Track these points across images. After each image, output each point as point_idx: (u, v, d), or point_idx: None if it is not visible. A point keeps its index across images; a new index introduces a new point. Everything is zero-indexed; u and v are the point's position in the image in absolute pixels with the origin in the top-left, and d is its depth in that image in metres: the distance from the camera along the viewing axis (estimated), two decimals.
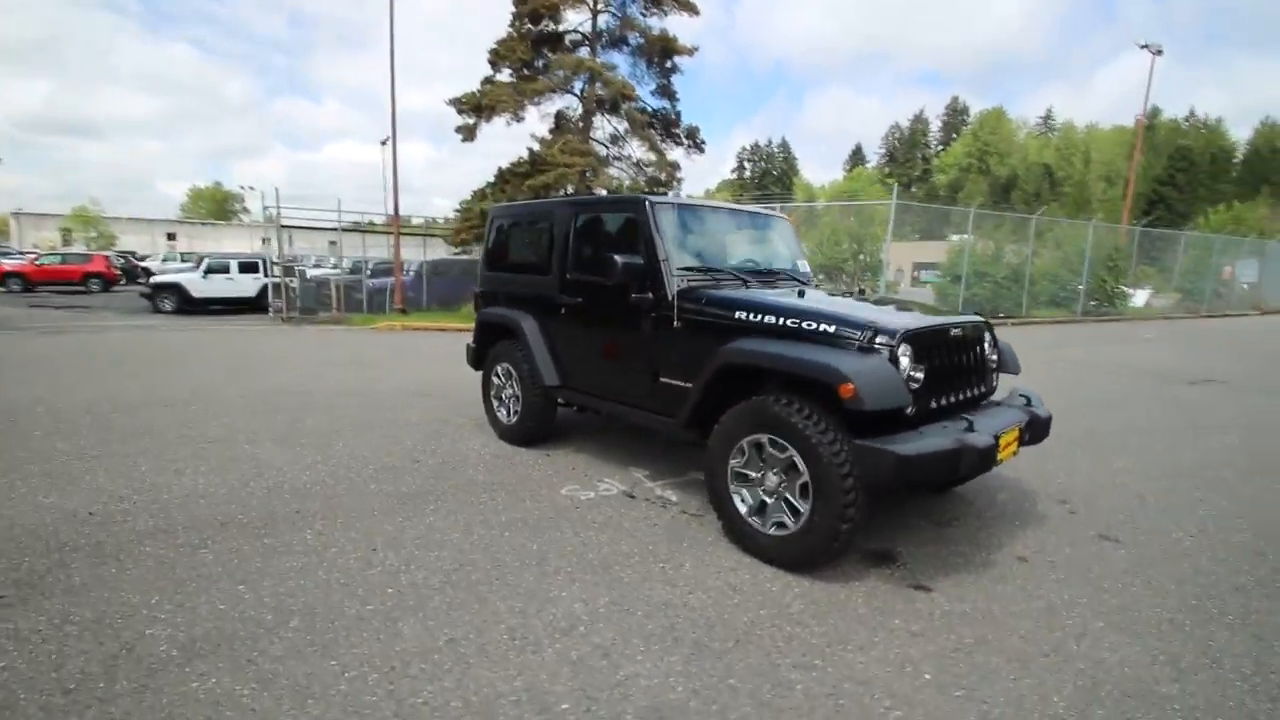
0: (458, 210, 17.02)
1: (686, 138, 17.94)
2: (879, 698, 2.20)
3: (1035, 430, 3.40)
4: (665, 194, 18.33)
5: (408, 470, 4.37)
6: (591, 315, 4.25)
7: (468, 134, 15.96)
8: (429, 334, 13.24)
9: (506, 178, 15.60)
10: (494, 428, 5.21)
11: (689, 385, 3.62)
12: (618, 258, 3.70)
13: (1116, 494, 4.23)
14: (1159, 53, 21.81)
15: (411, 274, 18.23)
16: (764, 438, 3.05)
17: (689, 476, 4.35)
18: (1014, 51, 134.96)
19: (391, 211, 17.59)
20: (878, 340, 2.94)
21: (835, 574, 3.02)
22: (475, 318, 5.44)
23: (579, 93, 17.30)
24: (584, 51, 16.82)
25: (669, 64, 17.69)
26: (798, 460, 2.91)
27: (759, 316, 3.31)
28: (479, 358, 5.39)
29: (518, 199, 14.93)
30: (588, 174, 15.75)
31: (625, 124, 17.63)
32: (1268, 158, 56.29)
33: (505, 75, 16.22)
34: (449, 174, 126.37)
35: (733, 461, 3.22)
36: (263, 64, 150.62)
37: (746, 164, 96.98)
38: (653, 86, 17.35)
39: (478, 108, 15.39)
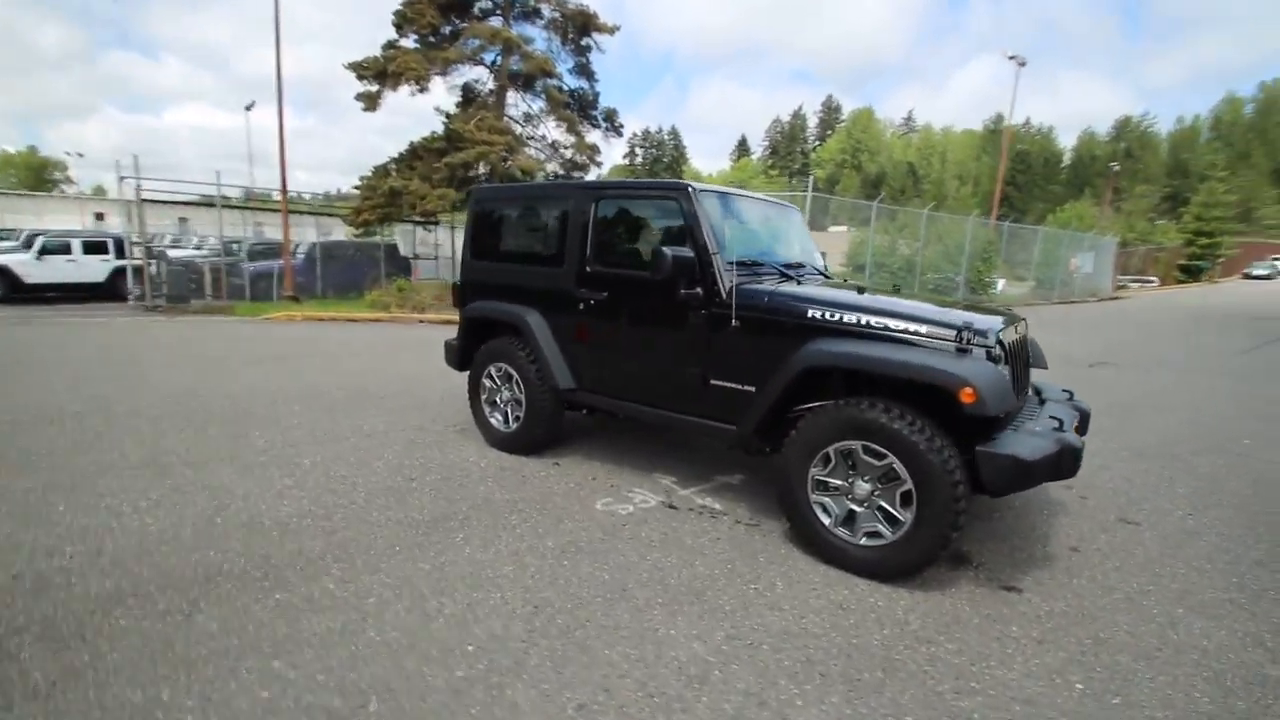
0: (358, 187, 15.48)
1: (605, 120, 17.47)
2: (1055, 717, 2.12)
3: (1084, 424, 3.52)
4: (583, 178, 17.83)
5: (407, 491, 3.80)
6: (621, 312, 3.88)
7: (369, 103, 14.46)
8: (336, 325, 11.97)
9: (419, 153, 14.34)
10: (485, 435, 4.68)
11: (746, 388, 3.39)
12: (668, 250, 3.37)
13: (1105, 476, 4.53)
14: (1023, 64, 24.33)
15: (301, 257, 16.45)
16: (856, 445, 2.89)
17: (718, 480, 4.14)
18: (876, 56, 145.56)
19: (277, 186, 15.71)
20: (975, 341, 2.86)
21: (926, 581, 2.94)
22: (460, 313, 4.86)
23: (491, 66, 16.29)
24: (496, 21, 15.81)
25: (585, 42, 17.10)
26: (899, 468, 2.78)
27: (837, 316, 3.13)
28: (465, 357, 4.83)
29: (433, 177, 13.86)
30: (506, 155, 14.90)
31: (541, 103, 16.87)
32: (1088, 163, 64.93)
33: (410, 41, 14.87)
34: (315, 146, 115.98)
35: (814, 470, 3.04)
36: (83, 9, 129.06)
37: (638, 150, 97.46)
38: (570, 65, 16.72)
39: (382, 74, 13.96)
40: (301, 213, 17.48)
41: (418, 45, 15.08)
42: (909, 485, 2.77)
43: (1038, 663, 2.40)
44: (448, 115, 16.57)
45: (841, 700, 2.16)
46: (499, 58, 16.15)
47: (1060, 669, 2.37)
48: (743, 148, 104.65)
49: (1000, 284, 25.30)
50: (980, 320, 2.99)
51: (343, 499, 3.64)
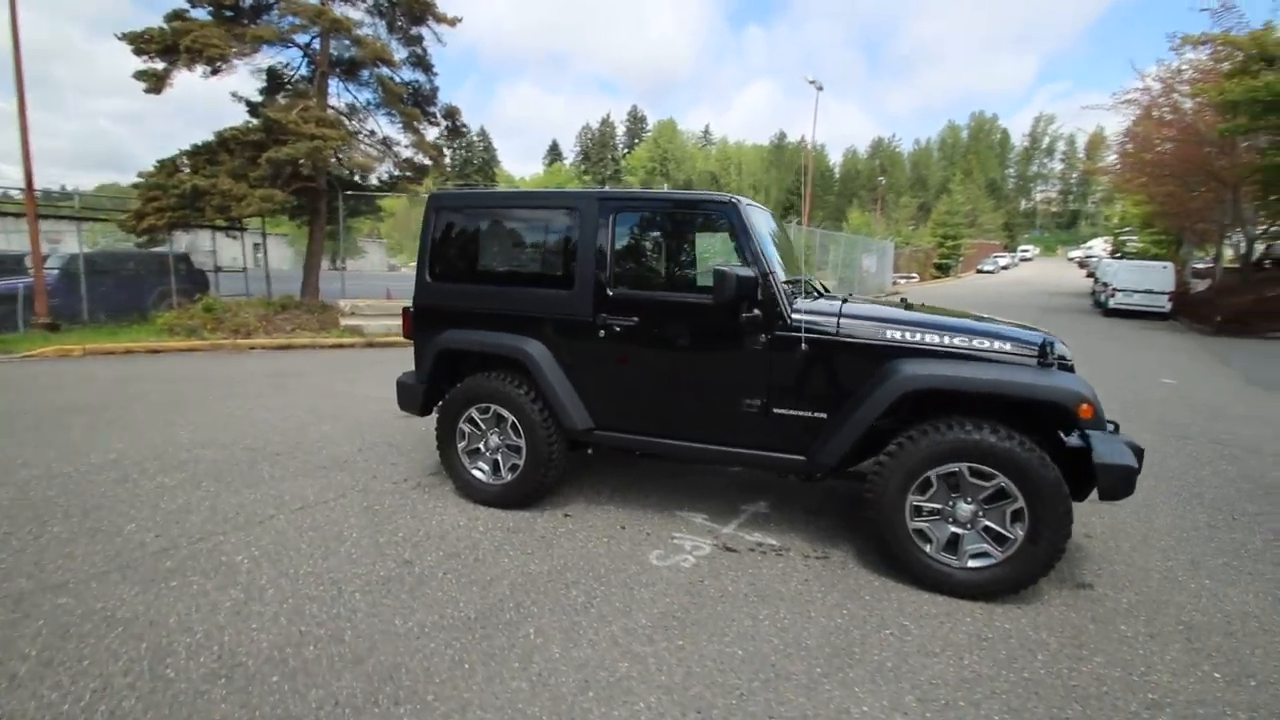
0: (138, 185, 12.40)
1: (445, 117, 16.09)
2: (1234, 713, 2.22)
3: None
4: (427, 183, 16.33)
5: (416, 580, 2.99)
6: (657, 340, 3.43)
7: (154, 83, 11.61)
8: (134, 360, 9.50)
9: (229, 146, 11.85)
10: (464, 491, 3.91)
11: (816, 416, 3.19)
12: (731, 270, 3.05)
13: None
14: (820, 88, 27.41)
15: (56, 272, 12.89)
16: (962, 467, 2.84)
17: (748, 511, 3.90)
18: (671, 72, 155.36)
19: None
20: (1052, 356, 2.96)
21: (1026, 598, 2.98)
22: (417, 344, 4.01)
23: (306, 49, 14.16)
24: None
25: (416, 31, 15.60)
26: (1010, 486, 2.78)
27: (919, 336, 3.06)
28: (431, 400, 4.00)
29: (251, 174, 11.66)
30: (340, 151, 13.01)
31: (368, 94, 15.06)
32: (854, 177, 75.58)
33: (203, 13, 12.28)
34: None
35: (913, 497, 2.94)
36: None
37: (447, 150, 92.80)
38: (404, 55, 15.11)
39: (170, 49, 11.29)
40: (52, 216, 13.52)
41: (211, 18, 12.54)
42: (1020, 503, 2.78)
43: (1171, 660, 2.53)
44: (250, 103, 14.07)
45: None
46: (316, 40, 14.10)
47: (1191, 663, 2.52)
48: (555, 152, 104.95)
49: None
50: (1047, 334, 3.11)
51: (335, 607, 2.75)
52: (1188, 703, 2.28)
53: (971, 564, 2.90)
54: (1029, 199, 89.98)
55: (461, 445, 3.88)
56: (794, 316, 3.18)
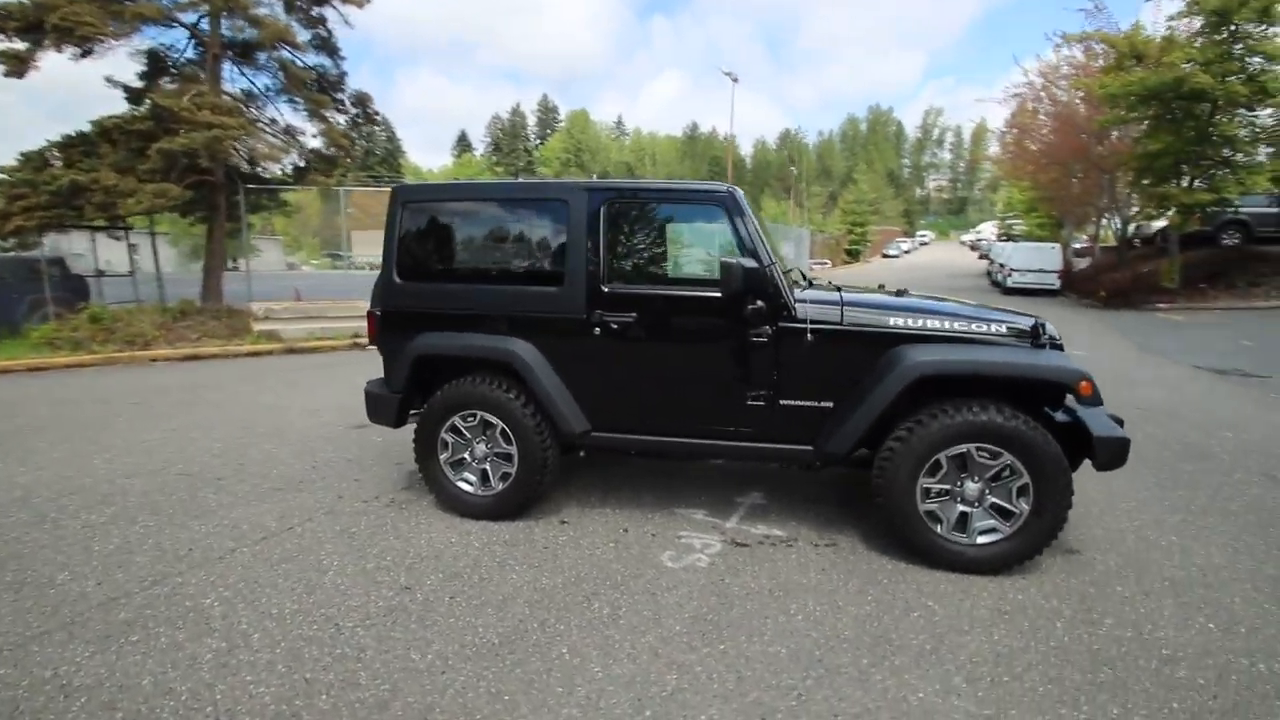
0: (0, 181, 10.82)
1: (355, 105, 15.08)
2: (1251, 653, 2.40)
3: None
4: (338, 175, 15.31)
5: (422, 607, 2.74)
6: (656, 335, 3.31)
7: (16, 65, 10.08)
8: (14, 380, 8.31)
9: (111, 136, 10.50)
10: (449, 505, 3.65)
11: (822, 405, 3.20)
12: (737, 261, 2.99)
13: None
14: (736, 80, 27.94)
15: None
16: (970, 448, 2.92)
17: (745, 504, 3.87)
18: (580, 62, 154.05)
19: None
20: (1044, 337, 3.09)
21: (1027, 570, 3.09)
22: (386, 350, 3.70)
23: (195, 29, 12.85)
24: None
25: (318, 12, 14.51)
26: (1016, 464, 2.89)
27: (920, 322, 3.11)
28: (406, 409, 3.70)
29: (142, 168, 10.48)
30: (240, 141, 11.89)
31: (269, 79, 13.88)
32: (765, 167, 77.87)
33: None
34: None
35: (924, 480, 2.99)
36: None
37: (329, 141, 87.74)
38: (307, 37, 14.00)
39: (35, 27, 9.81)
40: None
41: None
42: (1025, 479, 2.89)
43: (1169, 615, 2.71)
44: (129, 89, 12.64)
45: (1117, 706, 2.14)
46: (205, 20, 12.83)
47: (1186, 616, 2.71)
48: (464, 143, 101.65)
49: None
50: (1040, 317, 3.24)
51: (338, 646, 2.47)
52: (1196, 654, 2.44)
53: (980, 540, 2.99)
54: (923, 187, 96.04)
55: (444, 456, 3.62)
56: (798, 307, 3.16)
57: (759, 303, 3.15)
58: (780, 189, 62.96)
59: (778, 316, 3.16)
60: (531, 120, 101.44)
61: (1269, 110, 13.85)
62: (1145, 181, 15.94)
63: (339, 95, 15.04)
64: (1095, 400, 2.87)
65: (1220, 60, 13.32)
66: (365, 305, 12.44)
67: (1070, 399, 3.09)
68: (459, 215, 3.63)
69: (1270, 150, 14.01)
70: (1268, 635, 2.56)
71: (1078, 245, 27.26)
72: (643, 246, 3.45)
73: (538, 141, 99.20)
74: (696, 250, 3.51)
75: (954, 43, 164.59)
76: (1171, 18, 14.54)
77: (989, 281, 26.14)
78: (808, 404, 3.21)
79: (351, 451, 4.92)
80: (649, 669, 2.34)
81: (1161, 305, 14.76)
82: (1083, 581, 2.98)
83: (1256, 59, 13.19)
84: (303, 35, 13.89)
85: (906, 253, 53.78)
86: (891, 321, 3.13)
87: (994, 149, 30.09)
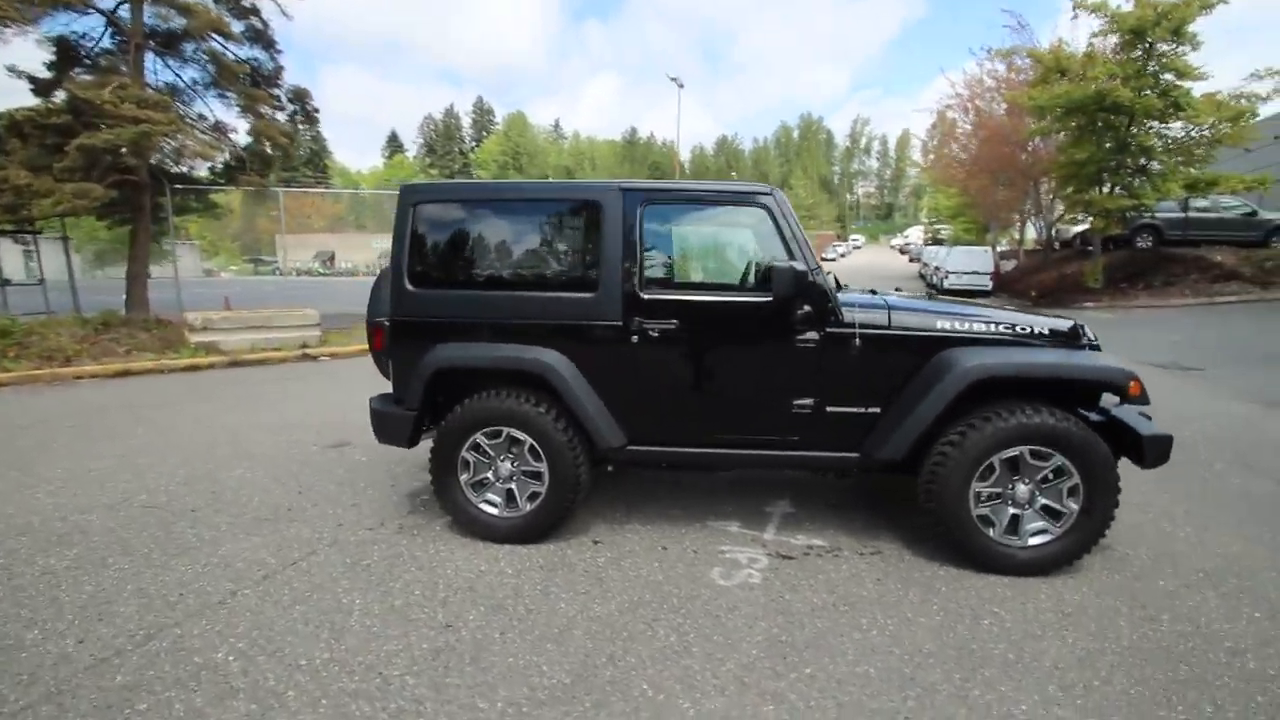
0: None
1: (293, 101, 14.21)
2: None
3: None
4: (273, 175, 14.40)
5: (472, 647, 2.49)
6: (699, 343, 3.16)
7: None
8: None
9: (22, 130, 9.37)
10: (471, 529, 3.38)
11: (870, 411, 3.14)
12: (787, 265, 2.90)
13: None
14: (682, 86, 28.14)
15: None
16: (1023, 450, 2.92)
17: (775, 513, 3.77)
18: (516, 63, 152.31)
19: None
20: (1085, 338, 3.14)
21: (1072, 568, 3.12)
22: (396, 363, 3.41)
23: (113, 16, 11.78)
24: None
25: (250, 2, 13.61)
26: (1066, 464, 2.90)
27: (967, 325, 3.10)
28: (420, 427, 3.41)
29: (59, 165, 9.48)
30: (171, 137, 10.94)
31: (197, 71, 12.90)
32: (703, 173, 78.98)
33: None
34: None
35: (978, 485, 2.98)
36: None
37: (265, 140, 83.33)
38: (240, 27, 13.06)
39: None
40: None
41: None
42: (1075, 479, 2.92)
43: (1216, 606, 2.78)
44: (35, 79, 11.48)
45: (1208, 704, 2.15)
46: (124, 7, 11.80)
47: (1233, 607, 2.78)
48: (395, 144, 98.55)
49: None
50: (1078, 320, 3.28)
51: (391, 699, 2.20)
52: (1257, 645, 2.50)
53: (1032, 542, 3.00)
54: (852, 193, 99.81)
55: (465, 477, 3.35)
56: (844, 311, 3.09)
57: (806, 307, 3.06)
58: None
59: (825, 321, 3.08)
60: (466, 122, 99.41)
61: (1179, 123, 15.02)
62: (1070, 188, 17.01)
63: (275, 90, 14.17)
64: (1144, 400, 2.93)
65: (1137, 76, 14.36)
66: (313, 314, 11.68)
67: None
68: (479, 217, 3.37)
69: (1180, 160, 15.19)
70: None
71: (1002, 248, 28.90)
72: (682, 250, 3.31)
73: (473, 144, 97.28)
74: (737, 253, 3.39)
75: (877, 57, 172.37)
76: (1094, 34, 15.58)
77: (925, 284, 27.33)
78: (855, 410, 3.14)
79: (337, 473, 4.53)
80: (741, 702, 2.20)
81: (1089, 304, 15.76)
82: (1125, 577, 3.03)
83: (1168, 75, 14.28)
84: (235, 26, 13.00)
85: (843, 256, 55.66)
86: (939, 324, 3.10)
87: (921, 156, 31.57)
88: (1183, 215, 17.83)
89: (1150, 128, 15.31)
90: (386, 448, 4.87)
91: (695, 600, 2.84)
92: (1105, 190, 16.07)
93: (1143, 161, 15.40)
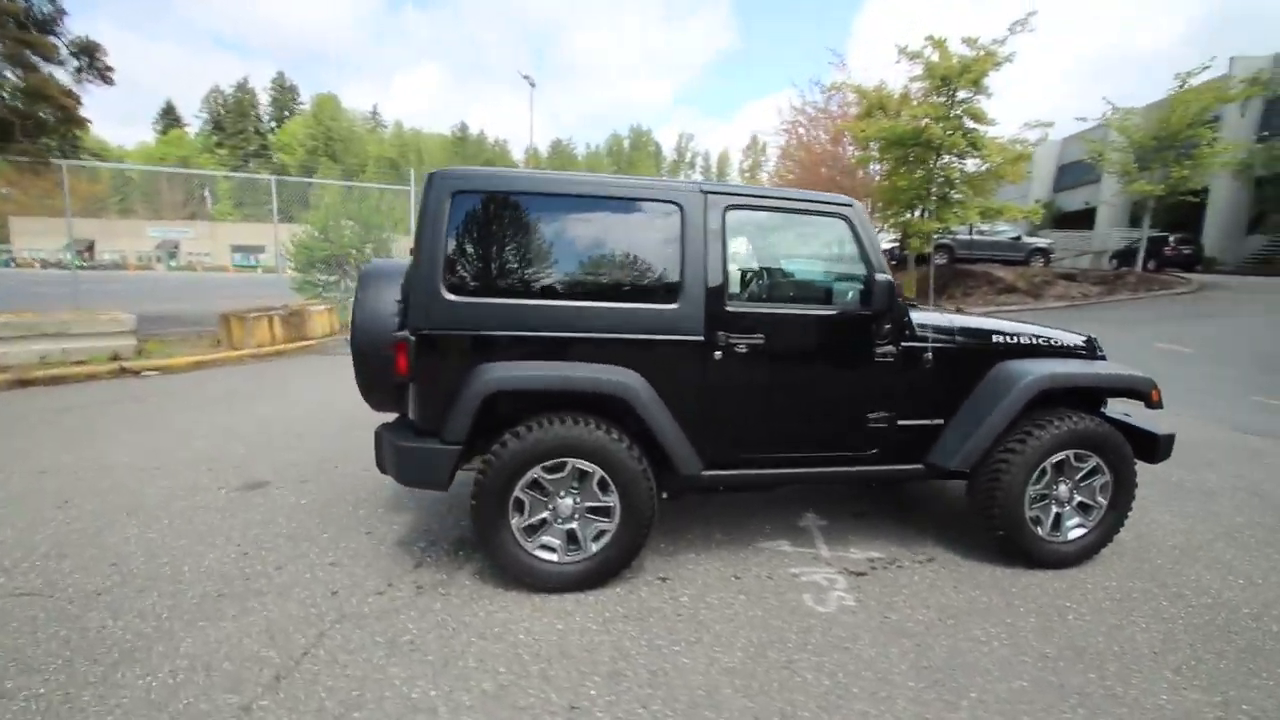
0: None
1: (80, 55, 11.32)
2: None
3: None
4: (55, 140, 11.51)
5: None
6: (784, 359, 2.98)
7: None
8: None
9: None
10: (528, 580, 2.86)
11: (934, 423, 3.23)
12: (886, 279, 2.86)
13: None
14: (533, 85, 27.40)
15: None
16: (1069, 454, 3.17)
17: (812, 527, 3.72)
18: (323, 42, 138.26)
19: None
20: (1100, 351, 3.49)
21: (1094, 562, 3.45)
22: (441, 385, 2.78)
23: None
24: None
25: None
26: (1102, 465, 3.21)
27: (1016, 338, 3.29)
28: (458, 464, 2.81)
29: None
30: None
31: None
32: None
33: None
34: None
35: (1032, 487, 3.18)
36: None
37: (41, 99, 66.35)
38: None
39: None
40: None
41: None
42: (1107, 477, 3.24)
43: (1216, 577, 3.25)
44: None
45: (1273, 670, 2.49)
46: None
47: (1223, 575, 3.27)
48: (171, 116, 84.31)
49: None
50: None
51: None
52: (1261, 607, 2.96)
53: (1071, 536, 3.27)
54: None
55: (517, 520, 2.83)
56: (914, 326, 3.13)
57: (889, 322, 3.05)
58: None
59: (901, 335, 3.09)
60: (264, 99, 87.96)
61: (973, 160, 17.91)
62: (890, 211, 19.51)
63: (52, 39, 11.33)
64: (1160, 406, 3.33)
65: (945, 118, 16.87)
66: (126, 318, 9.74)
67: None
68: (537, 213, 2.86)
69: (974, 191, 18.15)
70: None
71: None
72: (765, 260, 3.11)
73: (273, 124, 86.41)
74: (817, 265, 3.27)
75: (696, 78, 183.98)
76: (913, 78, 18.00)
77: None
78: (923, 422, 3.20)
79: (277, 524, 3.62)
80: None
81: None
82: (1135, 561, 3.42)
83: (968, 119, 16.97)
84: None
85: None
86: (994, 338, 3.27)
87: (738, 176, 34.28)
88: (969, 237, 21.34)
89: (951, 162, 18.08)
90: (321, 486, 4.08)
91: (811, 633, 2.67)
92: (919, 214, 18.66)
93: (947, 191, 18.13)
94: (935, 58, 16.86)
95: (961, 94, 16.87)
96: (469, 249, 2.80)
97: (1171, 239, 23.61)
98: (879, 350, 3.08)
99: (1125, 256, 23.05)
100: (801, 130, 27.23)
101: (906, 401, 3.16)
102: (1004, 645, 2.62)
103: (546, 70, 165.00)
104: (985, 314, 4.17)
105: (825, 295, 3.15)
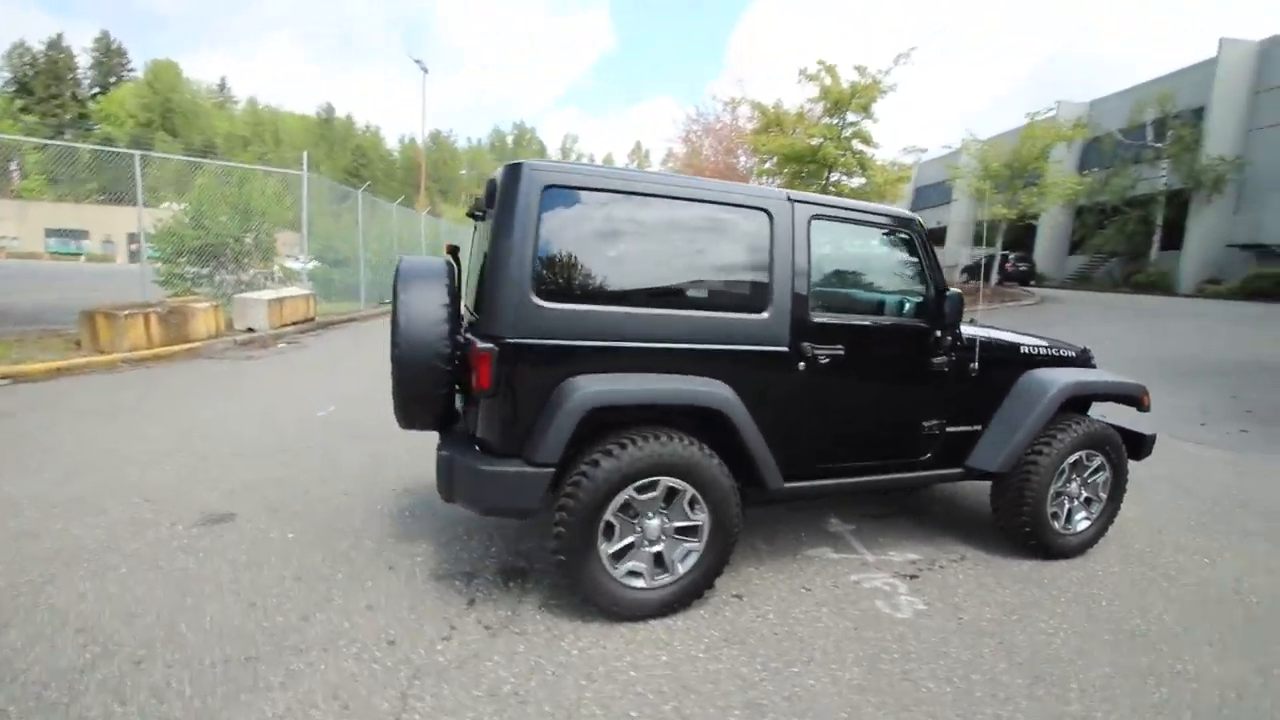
0: None
1: None
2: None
3: None
4: None
5: None
6: (858, 370, 3.00)
7: None
8: None
9: None
10: (613, 609, 2.64)
11: (974, 428, 3.42)
12: (957, 293, 2.99)
13: None
14: (426, 70, 25.80)
15: None
16: (1082, 454, 3.49)
17: (836, 530, 3.80)
18: (165, 2, 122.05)
19: None
20: (1092, 359, 3.87)
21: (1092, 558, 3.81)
22: (530, 400, 2.49)
23: None
24: None
25: None
26: (1105, 463, 3.56)
27: (1037, 349, 3.56)
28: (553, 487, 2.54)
29: None
30: None
31: None
32: (415, 167, 74.07)
33: None
34: None
35: (1054, 485, 3.45)
36: None
37: None
38: None
39: None
40: None
41: None
42: (1108, 474, 3.60)
43: (1185, 558, 3.72)
44: None
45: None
46: None
47: (1209, 555, 3.75)
48: None
49: None
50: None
51: None
52: (1239, 576, 3.42)
53: (1079, 529, 3.59)
54: None
55: (605, 546, 2.62)
56: (964, 337, 3.29)
57: (949, 334, 3.18)
58: (437, 191, 61.22)
59: (955, 346, 3.24)
60: (84, 60, 75.84)
61: (859, 179, 19.43)
62: None
63: None
64: (1148, 409, 3.74)
65: (837, 138, 18.16)
66: None
67: None
68: (632, 214, 2.63)
69: None
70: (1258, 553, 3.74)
71: None
72: (842, 270, 3.11)
73: (96, 90, 74.83)
74: (886, 277, 3.31)
75: (577, 78, 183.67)
76: (810, 100, 19.19)
77: None
78: (964, 429, 3.37)
79: (272, 564, 3.10)
80: None
81: None
82: (1120, 549, 3.82)
83: (856, 141, 18.38)
84: None
85: None
86: (1021, 349, 3.52)
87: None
88: None
89: (840, 179, 19.51)
90: (298, 515, 3.62)
91: (906, 641, 2.71)
92: None
93: None
94: (828, 81, 18.10)
95: (851, 116, 18.24)
96: (561, 250, 2.54)
97: (1011, 257, 27.06)
98: (935, 361, 3.20)
99: (974, 271, 26.12)
100: (694, 139, 28.18)
101: (955, 409, 3.32)
102: (1071, 635, 2.81)
103: (422, 56, 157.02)
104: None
105: (897, 307, 3.24)
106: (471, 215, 3.50)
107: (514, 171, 2.51)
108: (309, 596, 2.81)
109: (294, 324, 11.89)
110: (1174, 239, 24.75)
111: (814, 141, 18.45)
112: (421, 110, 27.42)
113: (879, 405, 3.18)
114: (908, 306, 3.20)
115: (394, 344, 2.69)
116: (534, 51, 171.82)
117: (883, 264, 3.29)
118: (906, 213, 3.22)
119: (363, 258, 17.02)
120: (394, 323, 2.70)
